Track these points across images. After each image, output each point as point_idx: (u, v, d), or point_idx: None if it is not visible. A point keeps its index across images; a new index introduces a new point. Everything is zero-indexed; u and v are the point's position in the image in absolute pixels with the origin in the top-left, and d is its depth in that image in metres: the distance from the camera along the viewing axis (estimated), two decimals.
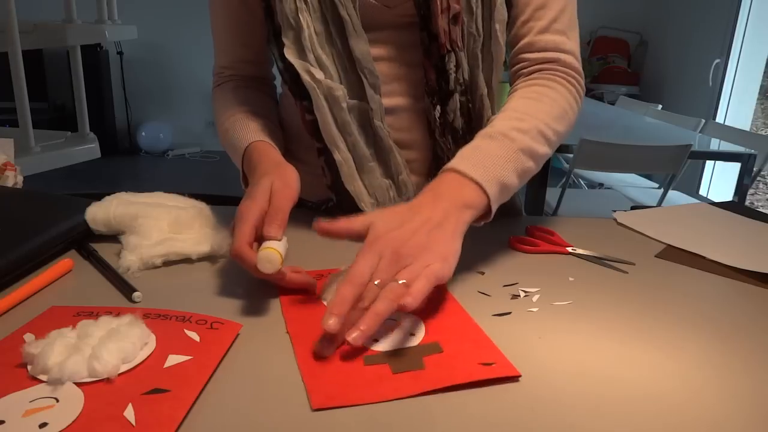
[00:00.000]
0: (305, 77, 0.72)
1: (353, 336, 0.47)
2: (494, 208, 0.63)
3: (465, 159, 0.63)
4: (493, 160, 0.63)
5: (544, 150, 0.69)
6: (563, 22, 0.76)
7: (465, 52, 0.76)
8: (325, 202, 0.85)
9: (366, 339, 0.48)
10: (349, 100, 0.74)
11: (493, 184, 0.62)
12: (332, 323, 0.48)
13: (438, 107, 0.77)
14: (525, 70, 0.77)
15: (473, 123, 0.81)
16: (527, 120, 0.68)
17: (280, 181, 0.64)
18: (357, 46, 0.73)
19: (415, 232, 0.55)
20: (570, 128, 0.74)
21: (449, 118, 0.78)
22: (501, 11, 0.74)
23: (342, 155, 0.75)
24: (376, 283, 0.51)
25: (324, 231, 0.57)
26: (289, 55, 0.72)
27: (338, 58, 0.74)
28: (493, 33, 0.75)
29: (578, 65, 0.77)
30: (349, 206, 0.78)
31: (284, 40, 0.73)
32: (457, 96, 0.77)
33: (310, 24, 0.71)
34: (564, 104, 0.73)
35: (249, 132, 0.74)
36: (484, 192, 0.61)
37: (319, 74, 0.72)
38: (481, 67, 0.78)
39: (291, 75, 0.75)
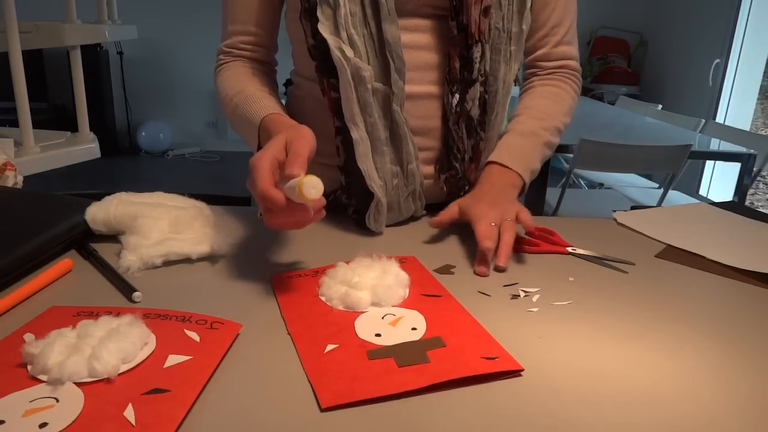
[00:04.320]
0: (336, 53, 0.74)
1: (502, 262, 0.68)
2: (527, 188, 0.85)
3: (506, 153, 0.84)
4: (527, 154, 0.85)
5: (557, 140, 0.90)
6: (571, 33, 0.92)
7: (489, 45, 0.80)
8: (331, 192, 0.85)
9: (509, 261, 0.69)
10: (374, 83, 0.76)
11: (527, 172, 0.84)
12: (490, 245, 0.68)
13: (456, 95, 0.81)
14: (540, 73, 0.93)
15: (487, 114, 0.85)
16: (548, 120, 0.88)
17: (294, 133, 0.64)
18: (389, 29, 0.75)
19: (496, 196, 0.78)
20: (572, 117, 0.94)
21: (467, 107, 0.81)
22: (528, 16, 0.82)
23: (360, 134, 0.77)
24: (492, 224, 0.72)
25: (437, 224, 0.78)
26: (323, 30, 0.74)
27: (369, 41, 0.76)
28: (515, 34, 0.82)
29: (579, 66, 0.95)
30: (356, 189, 0.79)
31: (319, 15, 0.74)
32: (477, 85, 0.81)
33: (346, 3, 0.73)
34: (571, 102, 0.93)
35: (263, 107, 0.75)
36: (522, 178, 0.83)
37: (350, 52, 0.74)
38: (500, 62, 0.82)
39: (321, 52, 0.76)
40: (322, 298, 0.59)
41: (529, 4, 0.81)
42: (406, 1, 0.77)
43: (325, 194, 0.87)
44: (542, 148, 0.86)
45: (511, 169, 0.82)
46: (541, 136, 0.86)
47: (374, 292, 0.58)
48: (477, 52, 0.79)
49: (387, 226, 0.81)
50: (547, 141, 0.87)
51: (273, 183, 0.58)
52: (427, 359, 0.48)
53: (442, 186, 0.86)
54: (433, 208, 0.87)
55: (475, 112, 0.82)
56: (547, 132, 0.87)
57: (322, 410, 0.42)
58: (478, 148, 0.85)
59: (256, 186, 0.58)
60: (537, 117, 0.88)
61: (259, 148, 0.73)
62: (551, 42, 0.90)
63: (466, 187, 0.87)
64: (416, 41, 0.79)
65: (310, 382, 0.45)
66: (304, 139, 0.63)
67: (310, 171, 0.66)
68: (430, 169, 0.85)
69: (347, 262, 0.63)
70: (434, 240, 0.78)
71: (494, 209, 0.74)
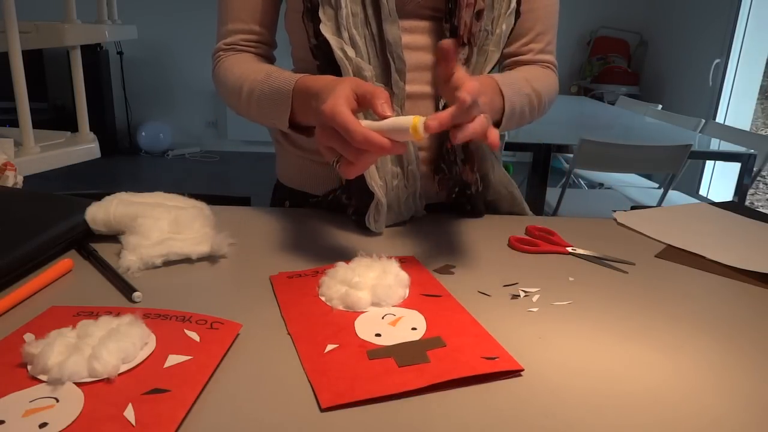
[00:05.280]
0: (338, 53, 0.74)
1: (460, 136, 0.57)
2: (503, 124, 0.78)
3: (507, 88, 0.77)
4: (514, 86, 0.78)
5: (534, 111, 0.84)
6: (553, 43, 0.91)
7: (477, 47, 0.79)
8: (331, 192, 0.86)
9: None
10: (375, 83, 0.76)
11: (509, 103, 0.77)
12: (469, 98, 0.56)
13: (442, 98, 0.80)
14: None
15: None
16: (533, 81, 0.83)
17: (353, 79, 0.63)
18: (390, 30, 0.75)
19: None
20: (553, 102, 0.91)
21: None
22: (510, 18, 0.80)
23: None
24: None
25: (445, 52, 0.60)
26: (325, 31, 0.74)
27: (370, 41, 0.76)
28: (497, 35, 0.80)
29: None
30: (357, 189, 0.79)
31: (321, 16, 0.74)
32: None
33: (348, 4, 0.74)
34: (554, 84, 0.90)
35: (292, 75, 0.74)
36: (503, 105, 0.76)
37: (351, 52, 0.74)
38: (483, 62, 0.81)
39: (323, 52, 0.77)
40: (322, 298, 0.59)
41: (513, 5, 0.80)
42: (406, 2, 0.77)
43: (324, 195, 0.87)
44: (525, 98, 0.80)
45: (500, 89, 0.76)
46: (524, 87, 0.80)
47: (374, 292, 0.58)
48: (462, 55, 0.78)
49: (387, 226, 0.81)
50: (530, 93, 0.81)
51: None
52: (427, 359, 0.48)
53: (437, 187, 0.86)
54: (433, 208, 0.87)
55: None
56: (530, 87, 0.81)
57: (322, 410, 0.42)
58: (469, 149, 0.83)
59: (354, 131, 0.56)
60: (520, 74, 0.83)
61: (292, 114, 0.73)
62: (535, 49, 0.88)
63: (457, 189, 0.85)
64: (414, 42, 0.79)
65: (310, 382, 0.45)
66: (369, 83, 0.62)
67: (310, 170, 0.66)
68: (427, 168, 0.85)
69: (347, 262, 0.63)
70: (434, 240, 0.78)
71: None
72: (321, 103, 0.59)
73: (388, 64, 0.76)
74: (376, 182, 0.78)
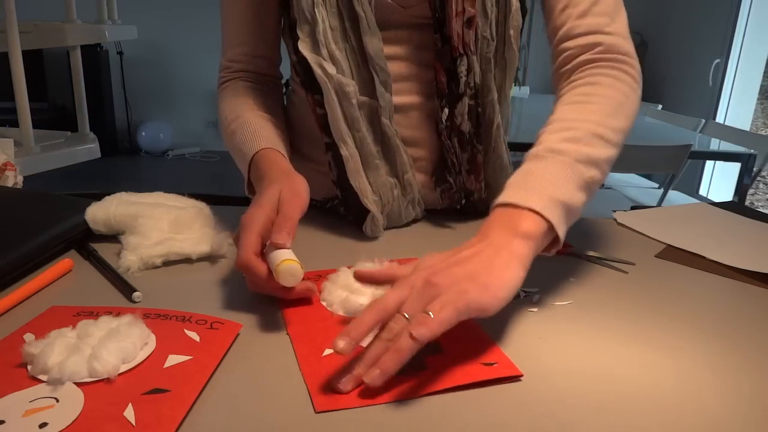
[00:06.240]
0: (317, 71, 0.72)
1: (372, 376, 0.43)
2: (562, 233, 0.56)
3: (515, 188, 0.57)
4: (548, 181, 0.57)
5: (607, 152, 0.63)
6: (606, 4, 0.72)
7: (477, 56, 0.76)
8: (330, 200, 0.85)
9: (386, 379, 0.44)
10: (359, 97, 0.74)
11: (553, 206, 0.55)
12: (343, 345, 0.43)
13: (446, 110, 0.77)
14: (567, 67, 0.72)
15: (481, 128, 0.80)
16: (576, 127, 0.62)
17: (288, 189, 0.62)
18: (370, 43, 0.73)
19: (456, 263, 0.49)
20: (631, 119, 0.68)
21: (457, 122, 0.78)
22: (516, 17, 0.76)
23: (349, 150, 0.75)
24: (405, 316, 0.46)
25: (365, 279, 0.54)
26: (303, 48, 0.73)
27: (351, 54, 0.74)
28: (507, 38, 0.77)
29: (627, 46, 0.72)
30: (353, 202, 0.78)
31: (299, 33, 0.73)
32: (466, 99, 0.77)
33: (325, 19, 0.72)
34: (617, 97, 0.68)
35: (258, 138, 0.73)
36: (543, 218, 0.54)
37: (331, 69, 0.72)
38: (493, 71, 0.78)
39: (303, 68, 0.75)
40: (323, 303, 0.59)
41: (515, 6, 0.75)
42: (390, 13, 0.74)
43: (323, 201, 0.87)
44: (575, 167, 0.59)
45: (522, 207, 0.54)
46: (567, 152, 0.60)
47: (375, 298, 0.57)
48: (463, 66, 0.75)
49: (386, 229, 0.81)
50: (581, 156, 0.60)
51: (258, 250, 0.57)
52: (424, 366, 0.47)
53: (439, 197, 0.84)
54: (433, 211, 0.86)
55: (465, 126, 0.78)
56: (578, 144, 0.60)
57: (316, 413, 0.42)
58: (475, 160, 0.81)
59: (238, 252, 0.56)
60: (557, 130, 0.63)
61: (249, 182, 0.73)
62: (573, 14, 0.71)
63: (463, 201, 0.83)
64: (400, 52, 0.77)
65: (306, 385, 0.45)
66: (297, 198, 0.61)
67: (308, 176, 0.66)
68: (424, 178, 0.83)
69: (349, 267, 0.62)
70: (435, 241, 0.78)
71: (427, 273, 0.48)
72: (254, 200, 0.62)
73: (371, 77, 0.74)
74: (368, 198, 0.76)
